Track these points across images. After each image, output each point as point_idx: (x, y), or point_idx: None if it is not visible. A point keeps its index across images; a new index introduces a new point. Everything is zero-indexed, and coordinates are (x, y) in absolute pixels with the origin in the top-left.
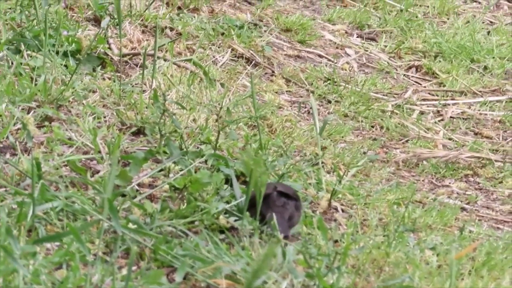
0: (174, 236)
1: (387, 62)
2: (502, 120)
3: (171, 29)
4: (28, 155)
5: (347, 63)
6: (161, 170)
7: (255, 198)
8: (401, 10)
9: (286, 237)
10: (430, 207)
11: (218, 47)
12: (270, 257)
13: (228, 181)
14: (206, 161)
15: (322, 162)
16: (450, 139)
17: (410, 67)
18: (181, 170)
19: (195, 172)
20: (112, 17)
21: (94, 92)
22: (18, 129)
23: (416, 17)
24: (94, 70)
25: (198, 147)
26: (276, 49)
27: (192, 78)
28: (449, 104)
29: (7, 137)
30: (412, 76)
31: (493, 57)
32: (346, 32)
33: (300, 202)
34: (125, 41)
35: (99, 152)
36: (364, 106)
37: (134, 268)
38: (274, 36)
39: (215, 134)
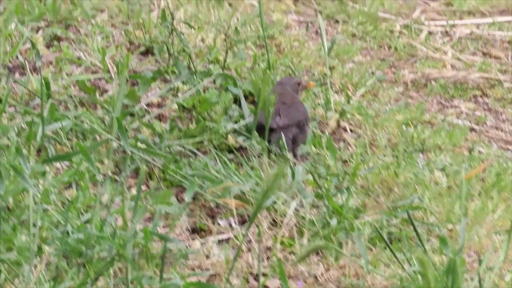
0: (183, 156)
1: None
2: (510, 40)
3: None
4: (37, 74)
5: None
6: (169, 89)
7: (264, 119)
8: None
9: (294, 155)
10: (439, 128)
11: None
12: (280, 177)
13: (236, 100)
14: (214, 81)
15: (331, 82)
16: (458, 59)
17: None
18: (190, 89)
19: (204, 91)
20: None
21: (102, 11)
22: (28, 48)
23: None
24: None
25: (206, 67)
26: None
27: None
28: (457, 24)
29: (17, 57)
30: None
31: None
32: None
33: (308, 119)
34: None
35: (108, 71)
36: (372, 26)
37: (143, 187)
38: None
39: (223, 53)
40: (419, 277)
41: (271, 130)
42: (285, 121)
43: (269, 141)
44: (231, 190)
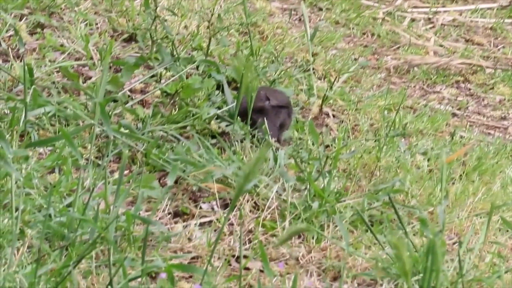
0: (165, 141)
1: None
2: (493, 27)
3: None
4: (21, 61)
5: None
6: (152, 76)
7: (246, 104)
8: None
9: (277, 141)
10: (421, 113)
11: None
12: (261, 160)
13: (219, 87)
14: (197, 67)
15: (313, 68)
16: (441, 45)
17: None
18: (173, 76)
19: (187, 78)
20: None
21: None
22: (11, 35)
23: None
24: None
25: (189, 53)
26: None
27: None
28: (440, 12)
29: (0, 44)
30: None
31: None
32: None
33: (291, 108)
34: None
35: (91, 58)
36: (355, 13)
37: (126, 172)
38: None
39: (207, 40)
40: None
41: (260, 111)
42: (275, 102)
43: (253, 124)
44: (213, 174)
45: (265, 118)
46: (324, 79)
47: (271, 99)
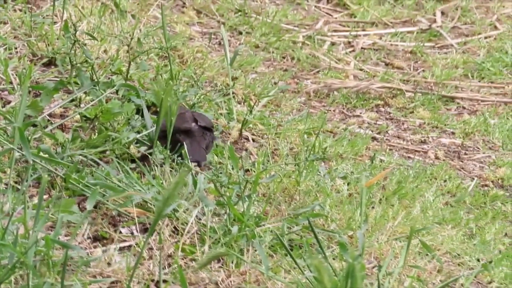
0: (85, 165)
1: None
2: (413, 50)
3: None
4: None
5: None
6: (72, 100)
7: (166, 128)
8: None
9: (201, 165)
10: (341, 137)
11: None
12: (181, 185)
13: (139, 111)
14: (117, 92)
15: (233, 92)
16: (361, 69)
17: None
18: (92, 100)
19: (106, 102)
20: None
21: (5, 23)
22: None
23: None
24: (5, 1)
25: (109, 78)
26: None
27: (103, 10)
28: (360, 35)
29: None
30: (323, 7)
31: None
32: None
33: (213, 132)
34: None
35: (11, 83)
36: (275, 37)
37: (45, 196)
38: None
39: (126, 64)
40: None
41: (186, 133)
42: (203, 123)
43: (175, 145)
44: (133, 199)
45: (188, 141)
46: (244, 103)
47: (198, 121)
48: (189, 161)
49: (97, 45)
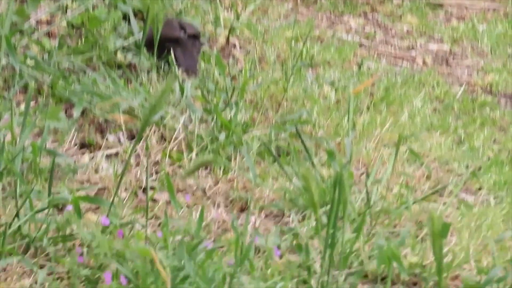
0: (72, 72)
1: None
2: None
3: None
4: None
5: None
6: (58, 7)
7: (153, 34)
8: None
9: (194, 74)
10: (328, 43)
11: None
12: (168, 92)
13: (126, 17)
14: None
15: None
16: None
17: None
18: (79, 7)
19: (93, 9)
20: None
21: None
22: None
23: None
24: None
25: None
26: None
27: None
28: None
29: None
30: None
31: None
32: None
33: (200, 40)
34: None
35: None
36: None
37: (32, 103)
38: None
39: None
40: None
41: (175, 41)
42: (192, 31)
43: (162, 52)
44: (120, 106)
45: (177, 50)
46: (231, 9)
47: (186, 29)
48: (181, 70)
49: None
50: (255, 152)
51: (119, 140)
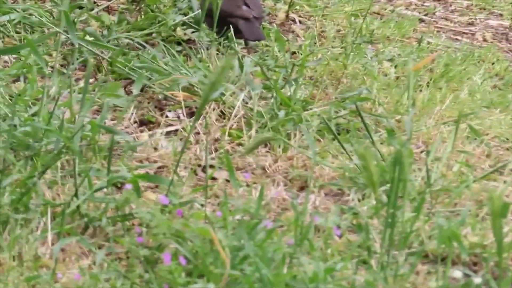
0: (131, 48)
1: None
2: None
3: None
4: None
5: None
6: None
7: (213, 10)
8: None
9: (260, 40)
10: (388, 19)
11: None
12: (227, 68)
13: None
14: None
15: None
16: None
17: None
18: None
19: None
20: None
21: None
22: None
23: None
24: None
25: None
26: None
27: None
28: None
29: None
30: None
31: None
32: None
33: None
34: None
35: None
36: None
37: (91, 80)
38: None
39: None
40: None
41: (241, 19)
42: (257, 12)
43: (222, 28)
44: (179, 82)
45: (238, 25)
46: None
47: (250, 7)
48: (248, 40)
49: None
50: (315, 130)
51: (178, 117)
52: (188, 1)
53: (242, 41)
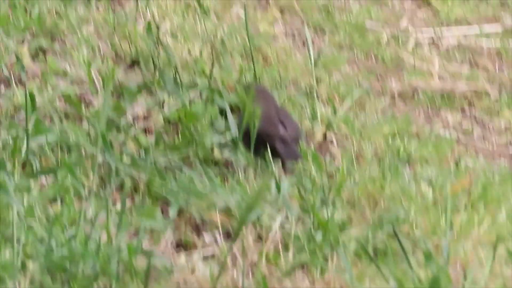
0: (168, 170)
1: None
2: (498, 50)
3: None
4: (23, 87)
5: None
6: (155, 102)
7: (250, 130)
8: None
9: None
10: (425, 140)
11: None
12: (264, 191)
13: (222, 112)
14: (200, 93)
15: (317, 94)
16: (445, 70)
17: None
18: (175, 102)
19: (190, 104)
20: None
21: (88, 23)
22: (13, 61)
23: None
24: (88, 0)
25: (192, 79)
26: None
27: (186, 9)
28: (444, 34)
29: (2, 70)
30: (407, 5)
31: None
32: None
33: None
34: None
35: (93, 83)
36: (359, 36)
37: (128, 202)
38: None
39: (210, 65)
40: None
41: (280, 140)
42: (294, 133)
43: (259, 148)
44: (216, 204)
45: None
46: (327, 104)
47: (287, 128)
48: (285, 160)
49: (180, 45)
50: (352, 252)
51: (215, 240)
52: (225, 120)
53: (279, 161)
